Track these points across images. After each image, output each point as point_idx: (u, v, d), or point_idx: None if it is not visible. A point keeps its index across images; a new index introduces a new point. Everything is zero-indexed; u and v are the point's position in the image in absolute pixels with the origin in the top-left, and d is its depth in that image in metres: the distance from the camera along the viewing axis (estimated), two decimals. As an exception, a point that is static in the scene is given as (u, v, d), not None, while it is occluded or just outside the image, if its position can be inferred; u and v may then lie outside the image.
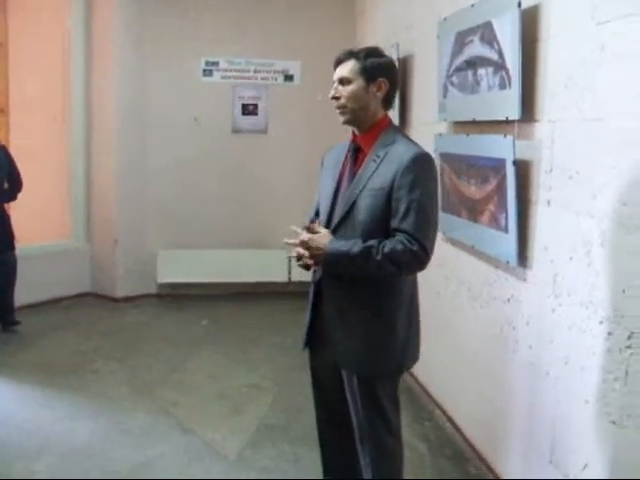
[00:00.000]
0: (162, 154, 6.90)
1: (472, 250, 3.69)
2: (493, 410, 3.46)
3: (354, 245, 2.49)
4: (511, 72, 3.02)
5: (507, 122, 3.12)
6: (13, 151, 6.36)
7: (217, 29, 6.90)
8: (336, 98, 2.64)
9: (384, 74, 2.64)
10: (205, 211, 7.01)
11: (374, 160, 2.59)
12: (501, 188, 3.14)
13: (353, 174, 2.65)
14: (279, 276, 6.97)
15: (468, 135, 3.59)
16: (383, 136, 2.64)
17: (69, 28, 6.76)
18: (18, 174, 5.72)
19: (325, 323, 2.71)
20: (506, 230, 3.12)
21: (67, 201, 6.98)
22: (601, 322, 2.46)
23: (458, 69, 3.69)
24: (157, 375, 4.92)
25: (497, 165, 3.16)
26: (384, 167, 2.54)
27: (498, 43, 3.15)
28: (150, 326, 6.17)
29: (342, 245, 2.51)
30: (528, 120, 3.00)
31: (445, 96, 3.91)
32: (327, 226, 2.67)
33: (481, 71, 3.37)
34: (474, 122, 3.55)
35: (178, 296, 7.01)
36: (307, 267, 2.71)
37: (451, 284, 4.08)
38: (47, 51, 7.01)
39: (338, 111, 2.66)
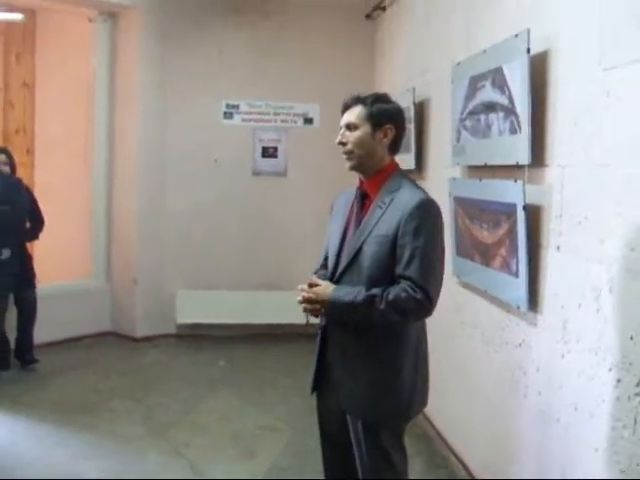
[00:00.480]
0: (182, 195, 6.98)
1: (485, 294, 3.67)
2: (505, 456, 3.41)
3: (358, 294, 2.49)
4: (521, 117, 3.04)
5: (518, 167, 3.13)
6: (37, 190, 6.48)
7: (238, 72, 7.01)
8: (343, 144, 2.66)
9: (391, 120, 2.66)
10: (224, 252, 7.05)
11: (380, 207, 2.60)
12: (512, 233, 3.14)
13: (359, 220, 2.66)
14: (296, 318, 6.87)
15: (481, 180, 3.60)
16: (389, 182, 2.65)
17: (93, 69, 6.91)
18: (40, 213, 5.82)
19: (330, 368, 2.71)
20: (517, 275, 3.11)
21: (88, 241, 7.06)
22: (610, 369, 2.44)
23: (471, 113, 3.72)
24: (172, 415, 4.92)
25: (508, 210, 3.16)
26: (389, 214, 2.55)
27: (508, 88, 3.18)
28: (168, 366, 6.18)
29: (345, 294, 2.53)
30: (538, 165, 3.01)
31: (458, 140, 3.94)
32: (334, 272, 2.69)
33: (492, 116, 3.40)
34: (486, 166, 3.56)
35: (197, 336, 7.02)
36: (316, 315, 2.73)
37: (466, 328, 4.06)
38: (72, 92, 7.19)
39: (344, 157, 2.67)
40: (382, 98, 2.70)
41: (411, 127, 4.98)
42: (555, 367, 2.87)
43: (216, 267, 7.06)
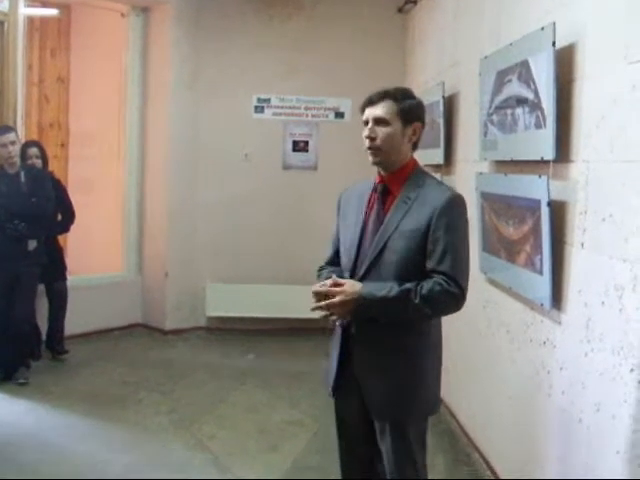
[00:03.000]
0: (213, 189, 7.00)
1: (510, 292, 3.62)
2: (528, 455, 3.36)
3: (391, 289, 2.44)
4: (546, 111, 2.99)
5: (543, 162, 3.07)
6: (70, 184, 6.57)
7: (269, 66, 7.00)
8: (371, 139, 2.58)
9: (419, 118, 2.62)
10: (254, 246, 7.06)
11: (405, 202, 2.56)
12: (536, 229, 3.09)
13: (382, 216, 2.61)
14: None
15: (506, 175, 3.55)
16: (412, 178, 2.61)
17: (126, 65, 6.97)
18: (71, 206, 5.88)
19: (356, 368, 2.64)
20: (541, 272, 3.06)
21: (120, 234, 7.13)
22: (632, 370, 2.39)
23: (498, 108, 3.67)
24: (198, 408, 4.95)
25: (533, 206, 3.11)
26: (417, 209, 2.51)
27: (534, 82, 3.13)
28: (196, 359, 6.22)
29: (377, 290, 2.47)
30: (563, 160, 2.95)
31: (486, 135, 3.88)
32: (354, 268, 2.63)
33: (519, 110, 3.34)
34: (513, 161, 3.51)
35: (226, 330, 7.05)
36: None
37: (492, 325, 4.01)
38: (105, 86, 7.26)
39: (370, 151, 2.60)
40: (409, 94, 2.65)
41: (440, 121, 4.93)
42: (578, 366, 2.82)
43: (246, 261, 7.08)
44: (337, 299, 2.49)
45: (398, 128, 2.57)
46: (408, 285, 2.44)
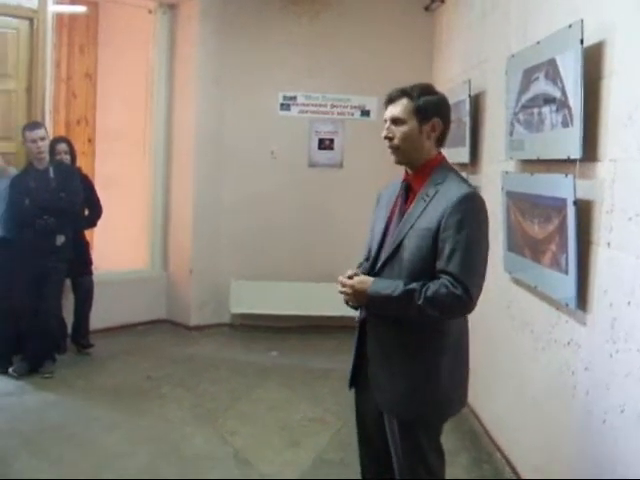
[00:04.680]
0: (238, 186, 7.02)
1: (535, 291, 3.60)
2: (551, 456, 3.34)
3: (396, 288, 2.44)
4: (573, 110, 2.96)
5: (569, 161, 3.05)
6: (97, 179, 6.63)
7: (295, 64, 7.01)
8: (389, 138, 2.60)
9: (438, 114, 2.59)
10: (279, 243, 7.07)
11: (423, 199, 2.54)
12: (562, 228, 3.07)
13: (402, 213, 2.61)
14: (351, 310, 6.92)
15: (532, 174, 3.53)
16: (434, 175, 2.59)
17: (152, 61, 7.02)
18: (98, 201, 5.95)
19: (368, 363, 2.67)
20: (566, 272, 3.04)
21: (146, 230, 7.19)
22: (658, 370, 2.37)
23: (524, 106, 3.65)
24: (221, 403, 4.98)
25: (558, 205, 3.08)
26: (432, 206, 2.50)
27: (561, 80, 3.10)
28: (220, 355, 6.24)
29: (384, 288, 2.48)
30: (590, 159, 2.93)
31: (512, 134, 3.86)
32: (374, 264, 2.65)
33: (545, 109, 3.32)
34: (539, 160, 3.49)
35: (250, 326, 7.07)
36: (355, 307, 2.72)
37: (516, 325, 3.98)
38: (132, 83, 7.32)
39: (390, 151, 2.62)
40: (428, 90, 2.62)
41: (466, 120, 4.91)
42: (603, 367, 2.79)
43: (271, 258, 7.09)
44: (347, 289, 2.57)
45: (414, 126, 2.56)
46: (414, 285, 2.43)
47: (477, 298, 2.45)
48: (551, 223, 3.22)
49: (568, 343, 3.17)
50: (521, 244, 3.72)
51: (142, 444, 4.21)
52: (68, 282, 5.83)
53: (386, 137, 2.61)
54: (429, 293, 2.39)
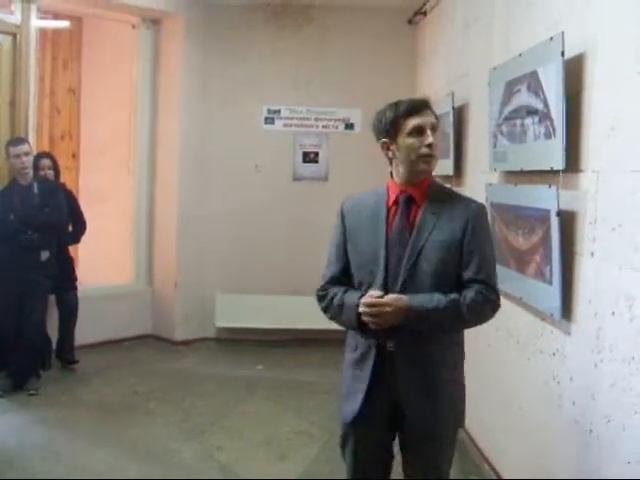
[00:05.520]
0: (223, 200, 7.02)
1: (520, 302, 3.61)
2: (538, 466, 3.35)
3: (438, 300, 2.42)
4: (555, 122, 2.99)
5: (552, 172, 3.07)
6: (82, 194, 6.60)
7: (279, 77, 7.03)
8: (434, 146, 2.52)
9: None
10: (264, 257, 7.07)
11: (433, 212, 2.53)
12: (546, 239, 3.09)
13: (408, 227, 2.54)
14: (334, 324, 6.92)
15: (516, 185, 3.55)
16: (433, 187, 2.61)
17: (136, 76, 7.01)
18: (82, 217, 5.93)
19: (400, 386, 2.52)
20: (550, 282, 3.05)
21: (131, 244, 7.16)
22: (643, 380, 2.38)
23: (507, 118, 3.67)
24: (208, 418, 4.95)
25: (542, 216, 3.11)
26: (447, 219, 2.50)
27: (543, 92, 3.13)
28: (206, 369, 6.23)
29: (427, 301, 2.43)
30: (573, 170, 2.95)
31: (496, 145, 3.88)
32: (385, 281, 2.52)
33: (528, 120, 3.34)
34: (522, 172, 3.51)
35: (236, 340, 7.05)
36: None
37: (502, 336, 3.99)
38: (117, 97, 7.31)
39: (427, 159, 2.52)
40: None
41: (450, 132, 4.94)
42: (588, 377, 2.80)
43: (256, 271, 7.08)
44: (386, 308, 2.41)
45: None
46: (454, 295, 2.45)
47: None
48: (535, 234, 3.24)
49: (554, 354, 3.18)
50: (506, 255, 3.73)
51: (129, 460, 4.18)
52: (52, 298, 5.79)
53: (429, 145, 2.50)
54: (468, 301, 2.44)
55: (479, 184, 4.29)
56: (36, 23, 5.92)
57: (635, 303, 2.44)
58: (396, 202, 2.60)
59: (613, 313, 2.59)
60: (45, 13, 6.37)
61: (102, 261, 7.15)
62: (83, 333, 6.14)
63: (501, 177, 3.96)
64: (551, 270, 3.05)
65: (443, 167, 5.07)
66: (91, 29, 7.53)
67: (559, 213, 2.95)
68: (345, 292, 2.61)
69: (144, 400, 5.27)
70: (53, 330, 5.86)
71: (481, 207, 2.57)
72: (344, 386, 2.70)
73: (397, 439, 2.69)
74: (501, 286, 3.83)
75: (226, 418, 4.98)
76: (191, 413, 5.05)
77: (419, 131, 2.49)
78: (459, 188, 4.88)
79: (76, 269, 6.20)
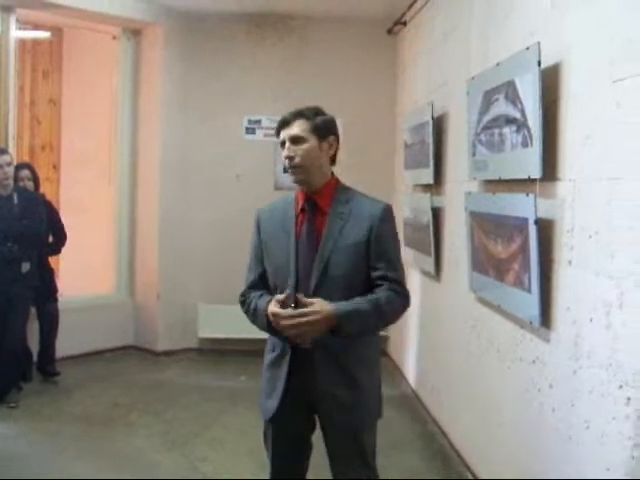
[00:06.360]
0: (204, 210, 7.01)
1: (499, 310, 3.63)
2: (520, 473, 3.36)
3: (360, 302, 2.51)
4: (532, 130, 3.02)
5: (530, 181, 3.10)
6: (62, 205, 6.57)
7: (259, 88, 7.03)
8: (290, 158, 2.60)
9: (334, 132, 2.71)
10: (246, 267, 7.03)
11: (339, 217, 2.61)
12: (525, 247, 3.11)
13: (314, 233, 2.62)
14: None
15: (494, 194, 3.58)
16: (339, 192, 2.69)
17: (117, 87, 7.00)
18: (62, 228, 5.88)
19: (321, 384, 2.60)
20: (529, 290, 3.08)
21: (112, 255, 7.13)
22: (620, 386, 2.40)
23: (486, 127, 3.70)
24: (190, 429, 4.93)
25: (520, 224, 3.13)
26: (353, 223, 2.60)
27: (521, 101, 3.16)
28: (188, 381, 6.20)
29: (347, 305, 2.48)
30: (550, 179, 2.98)
31: (474, 154, 3.91)
32: (296, 287, 2.57)
33: (506, 129, 3.37)
34: (501, 181, 3.54)
35: (218, 351, 7.03)
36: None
37: (482, 344, 4.01)
38: (97, 108, 7.30)
39: (291, 170, 2.62)
40: (320, 110, 2.72)
41: (430, 141, 4.96)
42: (567, 384, 2.83)
43: (238, 281, 6.96)
44: (312, 318, 2.43)
45: (315, 144, 2.62)
46: (374, 295, 2.55)
47: None
48: (514, 242, 3.26)
49: (533, 361, 3.20)
50: (485, 264, 3.75)
51: (111, 473, 4.15)
52: (33, 309, 5.74)
53: (287, 157, 2.61)
54: (385, 300, 2.54)
55: (459, 193, 4.31)
56: (16, 33, 5.91)
57: (612, 310, 2.46)
58: (303, 209, 2.69)
59: (591, 320, 2.62)
60: (25, 24, 6.37)
61: (83, 272, 7.12)
62: (64, 345, 6.10)
63: (480, 186, 3.99)
64: (530, 278, 3.07)
65: (423, 176, 5.11)
66: (71, 40, 7.51)
67: (537, 221, 2.97)
68: (260, 297, 2.71)
69: (126, 412, 5.24)
70: (34, 342, 5.82)
71: (388, 208, 2.67)
72: (264, 386, 2.82)
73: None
74: (480, 294, 3.90)
75: (209, 429, 4.96)
76: (174, 424, 5.02)
77: (282, 144, 2.65)
78: (439, 197, 4.91)
79: (57, 280, 6.16)
